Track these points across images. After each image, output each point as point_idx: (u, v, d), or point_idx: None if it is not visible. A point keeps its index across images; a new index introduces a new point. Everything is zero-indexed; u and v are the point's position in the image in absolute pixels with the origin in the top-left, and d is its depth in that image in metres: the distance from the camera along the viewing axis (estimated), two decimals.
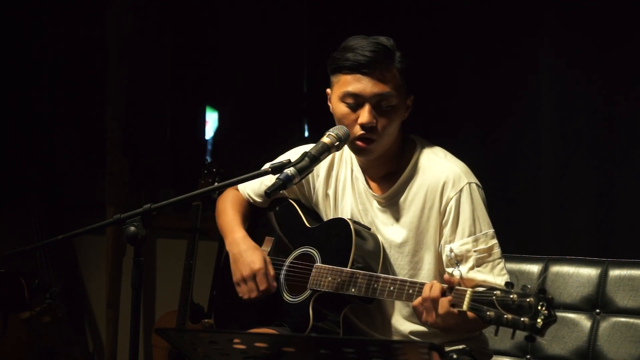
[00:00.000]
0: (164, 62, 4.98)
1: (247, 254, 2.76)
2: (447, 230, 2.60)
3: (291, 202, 2.87)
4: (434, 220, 2.62)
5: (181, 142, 5.03)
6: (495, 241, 2.59)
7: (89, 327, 5.02)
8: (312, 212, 2.85)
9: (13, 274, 4.51)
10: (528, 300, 2.15)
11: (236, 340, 2.04)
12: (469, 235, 2.57)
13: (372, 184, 2.71)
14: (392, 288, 2.47)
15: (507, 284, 2.22)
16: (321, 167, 2.79)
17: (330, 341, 2.05)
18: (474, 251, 2.56)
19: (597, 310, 2.99)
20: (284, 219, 2.85)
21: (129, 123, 4.85)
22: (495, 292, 2.22)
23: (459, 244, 2.57)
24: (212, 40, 4.96)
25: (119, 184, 4.82)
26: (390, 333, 2.69)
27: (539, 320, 2.13)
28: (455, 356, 1.97)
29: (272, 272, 2.74)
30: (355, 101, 2.58)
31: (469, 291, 2.29)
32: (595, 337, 2.94)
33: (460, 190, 2.59)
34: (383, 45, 2.58)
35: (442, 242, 2.60)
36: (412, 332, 2.67)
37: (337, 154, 2.76)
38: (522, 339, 2.17)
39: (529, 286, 2.18)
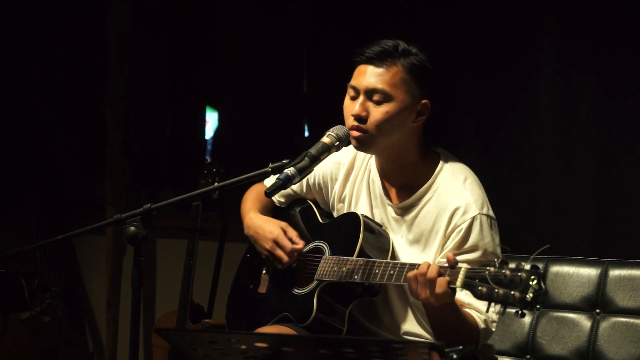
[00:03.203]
0: (164, 62, 4.98)
1: (262, 229, 2.80)
2: (444, 253, 2.57)
3: (309, 203, 2.90)
4: (437, 243, 2.61)
5: (181, 142, 5.03)
6: None
7: (89, 327, 5.02)
8: (330, 213, 2.87)
9: (13, 274, 4.51)
10: (520, 274, 2.16)
11: (236, 340, 2.05)
12: (467, 262, 2.51)
13: (391, 192, 2.71)
14: (392, 272, 2.46)
15: (501, 261, 2.22)
16: (340, 171, 2.80)
17: (330, 341, 2.06)
18: None
19: (597, 310, 2.99)
20: (301, 218, 2.88)
21: (129, 123, 4.85)
22: (488, 269, 2.23)
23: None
24: (212, 40, 4.95)
25: (119, 184, 4.83)
26: (398, 336, 2.68)
27: (529, 294, 2.13)
28: (455, 356, 1.97)
29: (293, 232, 2.76)
30: (355, 93, 2.62)
31: (463, 268, 2.29)
32: (595, 337, 2.94)
33: (470, 220, 2.56)
34: (393, 44, 2.60)
35: (435, 261, 2.58)
36: (420, 336, 2.67)
37: (358, 159, 2.78)
38: (513, 314, 2.18)
39: (524, 263, 2.19)
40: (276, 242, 2.75)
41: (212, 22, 4.91)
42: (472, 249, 2.56)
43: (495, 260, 2.51)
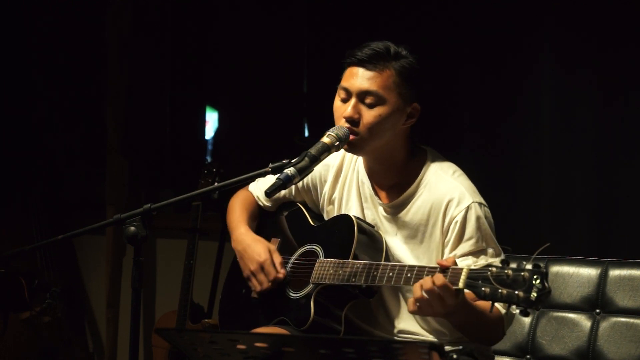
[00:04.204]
0: (164, 62, 4.98)
1: (251, 248, 2.79)
2: (448, 248, 2.59)
3: (299, 206, 2.89)
4: (436, 237, 2.61)
5: (181, 142, 5.02)
6: (495, 260, 2.56)
7: (89, 327, 5.02)
8: (320, 215, 2.87)
9: (13, 274, 4.51)
10: (522, 274, 2.17)
11: (236, 340, 2.05)
12: (470, 254, 2.56)
13: (380, 192, 2.72)
14: (391, 274, 2.47)
15: (502, 261, 2.23)
16: (329, 173, 2.81)
17: (330, 341, 2.06)
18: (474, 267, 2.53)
19: (597, 310, 2.99)
20: (291, 221, 2.87)
21: (129, 123, 4.85)
22: (490, 269, 2.23)
23: (459, 260, 2.54)
24: (212, 40, 4.95)
25: (119, 184, 4.82)
26: (393, 335, 2.68)
27: (533, 293, 2.14)
28: (455, 356, 1.98)
29: (278, 259, 2.75)
30: (346, 95, 2.63)
31: (465, 269, 2.30)
32: (595, 337, 2.94)
33: (464, 210, 2.57)
34: (384, 46, 2.60)
35: (443, 258, 2.59)
36: (416, 333, 2.67)
37: (346, 160, 2.79)
38: (517, 314, 2.18)
39: (525, 262, 2.20)
40: (262, 267, 2.75)
41: (212, 22, 4.91)
42: (470, 238, 2.57)
43: (497, 259, 2.53)
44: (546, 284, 2.15)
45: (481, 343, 2.59)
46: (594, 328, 2.96)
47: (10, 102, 4.91)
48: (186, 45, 4.99)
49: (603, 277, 2.99)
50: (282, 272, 2.74)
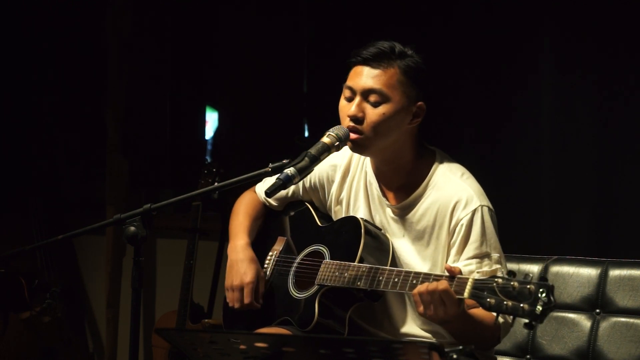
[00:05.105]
0: (164, 62, 4.98)
1: (242, 264, 2.79)
2: (453, 250, 2.58)
3: (306, 205, 2.89)
4: (443, 239, 2.60)
5: (181, 142, 5.03)
6: (498, 266, 2.56)
7: (89, 327, 5.02)
8: (327, 215, 2.86)
9: (13, 274, 4.51)
10: (529, 287, 2.15)
11: (236, 340, 2.05)
12: (474, 257, 2.56)
13: (388, 193, 2.71)
14: (396, 279, 2.46)
15: (509, 272, 2.22)
16: (337, 173, 2.80)
17: (330, 341, 2.06)
18: (477, 273, 2.52)
19: (597, 310, 2.99)
20: (298, 220, 2.87)
21: (129, 123, 4.85)
22: (496, 280, 2.22)
23: (463, 264, 2.54)
24: (212, 40, 4.95)
25: (119, 184, 4.82)
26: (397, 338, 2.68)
27: (538, 306, 2.13)
28: (455, 356, 1.97)
29: (262, 289, 2.76)
30: (351, 94, 2.62)
31: (470, 279, 2.29)
32: (595, 337, 2.94)
33: (471, 212, 2.57)
34: (389, 45, 2.60)
35: (448, 261, 2.59)
36: (419, 337, 2.66)
37: (354, 161, 2.78)
38: (522, 326, 2.18)
39: (531, 275, 2.18)
40: (242, 288, 2.75)
41: (212, 23, 4.91)
42: (475, 241, 2.56)
43: (499, 265, 2.52)
44: (552, 297, 2.13)
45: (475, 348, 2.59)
46: (594, 328, 2.96)
47: (11, 103, 4.91)
48: (186, 45, 4.99)
49: (603, 277, 2.99)
50: (258, 305, 2.75)
